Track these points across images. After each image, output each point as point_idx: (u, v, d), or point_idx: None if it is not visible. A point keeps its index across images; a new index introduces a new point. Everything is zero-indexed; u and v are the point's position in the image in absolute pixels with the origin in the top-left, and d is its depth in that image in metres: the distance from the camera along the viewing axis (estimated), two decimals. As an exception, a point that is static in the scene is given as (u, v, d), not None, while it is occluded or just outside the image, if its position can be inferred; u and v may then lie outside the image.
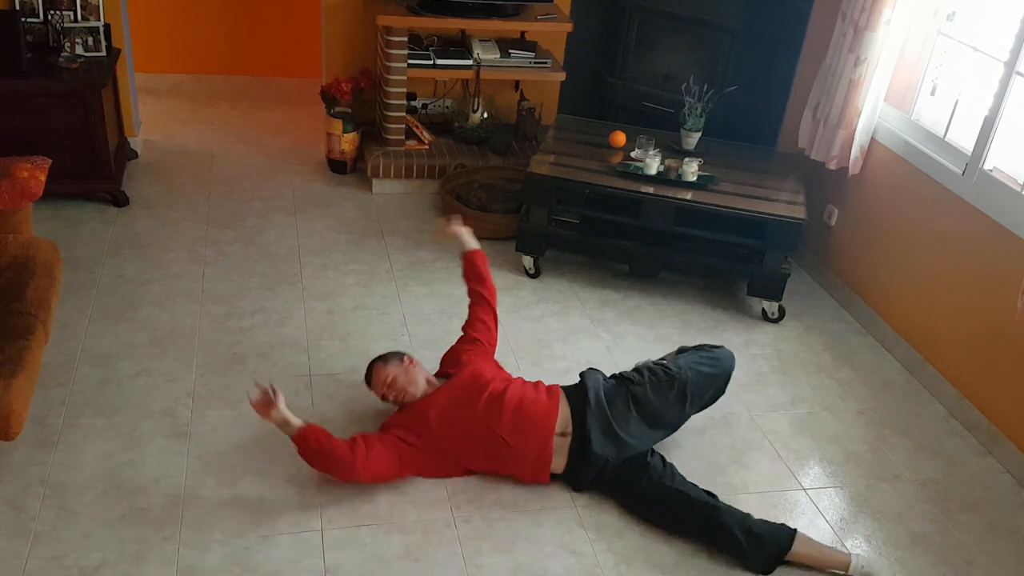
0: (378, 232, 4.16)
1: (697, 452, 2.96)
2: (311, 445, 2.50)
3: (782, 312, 3.74)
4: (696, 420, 3.01)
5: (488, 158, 4.56)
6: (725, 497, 2.77)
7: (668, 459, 2.75)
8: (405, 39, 4.27)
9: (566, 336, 3.52)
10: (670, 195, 3.62)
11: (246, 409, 2.94)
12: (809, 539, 2.55)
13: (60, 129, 3.87)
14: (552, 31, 4.64)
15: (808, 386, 3.38)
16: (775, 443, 3.06)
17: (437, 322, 3.52)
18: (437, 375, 2.87)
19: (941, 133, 3.47)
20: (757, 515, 2.71)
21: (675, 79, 4.34)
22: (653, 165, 3.72)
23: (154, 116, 5.18)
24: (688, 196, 3.62)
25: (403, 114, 4.50)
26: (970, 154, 3.25)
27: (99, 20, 4.12)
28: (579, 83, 4.81)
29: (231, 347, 3.24)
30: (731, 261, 3.74)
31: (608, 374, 2.85)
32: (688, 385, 2.77)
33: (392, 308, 3.58)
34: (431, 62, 4.41)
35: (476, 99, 4.68)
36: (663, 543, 2.58)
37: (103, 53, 4.14)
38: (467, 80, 4.72)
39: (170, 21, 5.41)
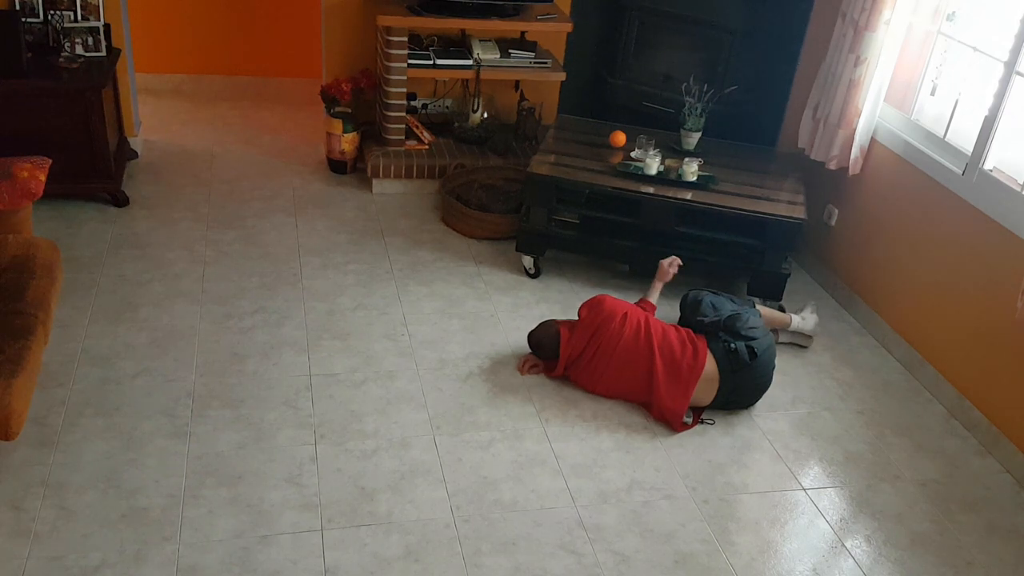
0: (378, 232, 4.16)
1: (697, 452, 2.96)
2: None
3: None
4: (696, 420, 3.03)
5: (488, 158, 4.56)
6: (725, 497, 2.78)
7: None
8: (405, 39, 4.28)
9: (566, 336, 3.51)
10: (670, 195, 3.62)
11: (246, 409, 2.94)
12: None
13: (60, 129, 3.87)
14: (552, 31, 4.64)
15: (808, 386, 3.38)
16: (775, 443, 3.06)
17: (437, 322, 3.52)
18: None
19: (941, 133, 3.46)
20: (757, 515, 2.72)
21: (675, 79, 4.34)
22: (653, 165, 3.72)
23: (154, 116, 5.19)
24: (688, 196, 3.62)
25: (403, 114, 4.50)
26: (970, 154, 3.25)
27: (99, 20, 4.12)
28: (579, 83, 4.81)
29: (231, 347, 3.25)
30: (731, 261, 3.74)
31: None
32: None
33: (392, 308, 3.58)
34: (431, 62, 4.41)
35: (476, 99, 4.68)
36: (663, 543, 2.58)
37: (103, 53, 4.14)
38: (467, 80, 4.72)
39: (170, 21, 5.42)
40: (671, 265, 3.48)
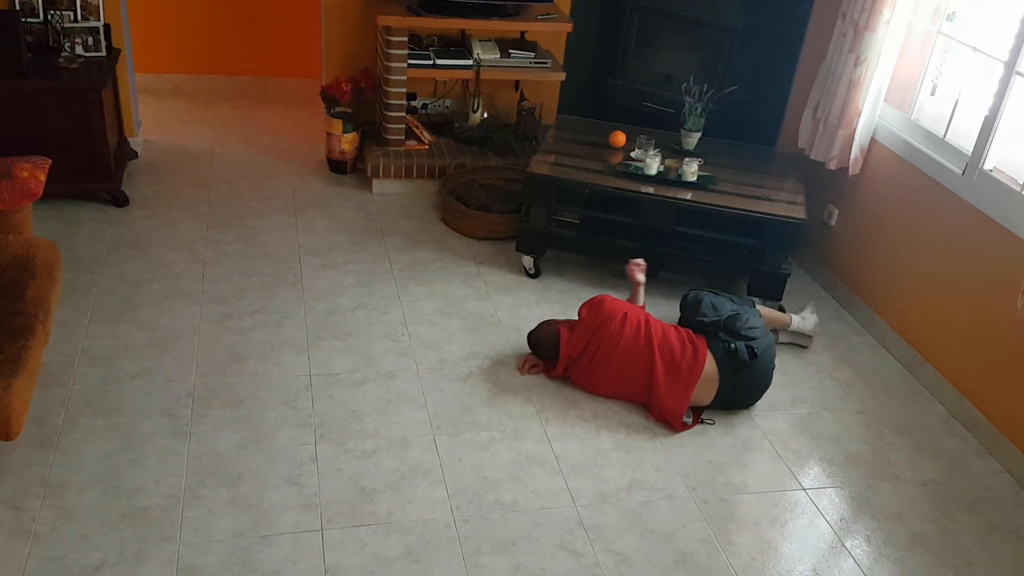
0: (378, 232, 4.16)
1: (697, 452, 2.96)
2: None
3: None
4: (696, 420, 3.03)
5: (488, 158, 4.56)
6: (725, 497, 2.78)
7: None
8: (405, 39, 4.28)
9: (566, 336, 3.51)
10: (670, 195, 3.62)
11: (246, 409, 2.94)
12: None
13: (60, 129, 3.87)
14: (552, 31, 4.64)
15: (808, 386, 3.38)
16: (775, 443, 3.06)
17: (437, 322, 3.52)
18: None
19: (941, 133, 3.46)
20: (757, 515, 2.72)
21: (675, 79, 4.34)
22: (653, 165, 3.72)
23: (154, 116, 5.19)
24: (688, 196, 3.62)
25: (403, 114, 4.50)
26: (970, 154, 3.25)
27: (99, 20, 4.13)
28: (579, 83, 4.81)
29: (231, 347, 3.25)
30: (731, 261, 3.74)
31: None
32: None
33: (392, 308, 3.58)
34: (431, 62, 4.41)
35: (476, 99, 4.68)
36: (663, 543, 2.58)
37: (103, 53, 4.14)
38: (467, 80, 4.72)
39: (170, 21, 5.42)
40: (636, 267, 3.44)
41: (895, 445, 3.11)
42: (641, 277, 3.42)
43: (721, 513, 2.72)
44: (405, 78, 4.37)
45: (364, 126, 4.70)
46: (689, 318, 3.28)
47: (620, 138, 4.01)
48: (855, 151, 3.72)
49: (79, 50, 4.09)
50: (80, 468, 2.63)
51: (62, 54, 4.01)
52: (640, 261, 3.47)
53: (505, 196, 4.25)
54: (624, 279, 3.91)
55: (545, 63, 4.54)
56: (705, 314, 3.22)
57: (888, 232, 3.69)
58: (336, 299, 3.60)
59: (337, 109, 4.56)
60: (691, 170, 3.71)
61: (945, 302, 3.37)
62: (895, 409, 3.31)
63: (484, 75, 4.49)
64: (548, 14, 4.51)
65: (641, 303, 3.39)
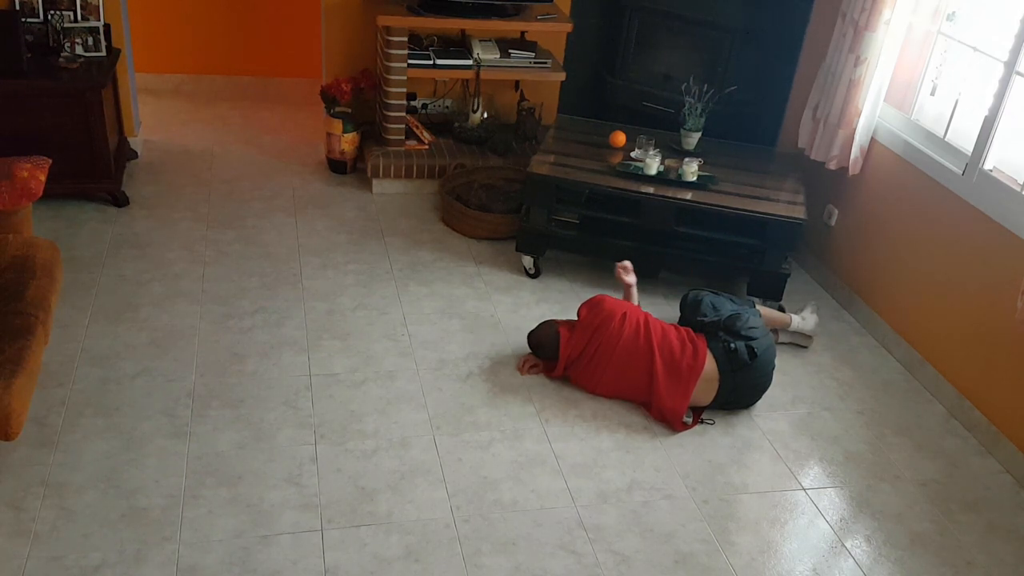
0: (378, 232, 4.16)
1: (697, 452, 2.96)
2: None
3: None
4: (696, 420, 3.04)
5: (488, 158, 4.56)
6: (725, 497, 2.78)
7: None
8: (405, 39, 4.28)
9: (566, 336, 3.51)
10: (670, 195, 3.62)
11: (246, 409, 2.94)
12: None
13: (60, 129, 3.87)
14: (552, 31, 4.64)
15: (808, 386, 3.38)
16: (775, 443, 3.06)
17: (437, 322, 3.52)
18: None
19: (941, 133, 3.47)
20: (757, 515, 2.72)
21: (675, 79, 4.34)
22: (653, 165, 3.72)
23: (154, 116, 5.19)
24: (688, 196, 3.62)
25: (403, 114, 4.50)
26: (970, 154, 3.25)
27: (99, 20, 4.12)
28: (579, 83, 4.81)
29: (231, 347, 3.25)
30: (731, 261, 3.74)
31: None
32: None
33: (392, 308, 3.58)
34: (431, 62, 4.41)
35: (476, 99, 4.68)
36: (663, 543, 2.58)
37: (103, 53, 4.14)
38: (467, 80, 4.72)
39: (170, 21, 5.42)
40: (623, 270, 3.44)
41: (895, 445, 3.11)
42: (630, 279, 3.42)
43: (721, 513, 2.72)
44: (405, 78, 4.37)
45: (364, 126, 4.70)
46: (689, 318, 3.28)
47: (620, 138, 4.02)
48: (855, 151, 3.72)
49: (79, 50, 4.09)
50: (80, 468, 2.63)
51: (62, 54, 4.01)
52: (626, 263, 3.46)
53: (505, 196, 4.25)
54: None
55: (545, 63, 4.54)
56: (705, 314, 3.22)
57: (888, 232, 3.69)
58: (336, 299, 3.60)
59: (337, 109, 4.56)
60: (691, 170, 3.71)
61: (945, 302, 3.37)
62: (895, 409, 3.31)
63: (484, 75, 4.49)
64: (548, 14, 4.51)
65: (636, 303, 3.38)
